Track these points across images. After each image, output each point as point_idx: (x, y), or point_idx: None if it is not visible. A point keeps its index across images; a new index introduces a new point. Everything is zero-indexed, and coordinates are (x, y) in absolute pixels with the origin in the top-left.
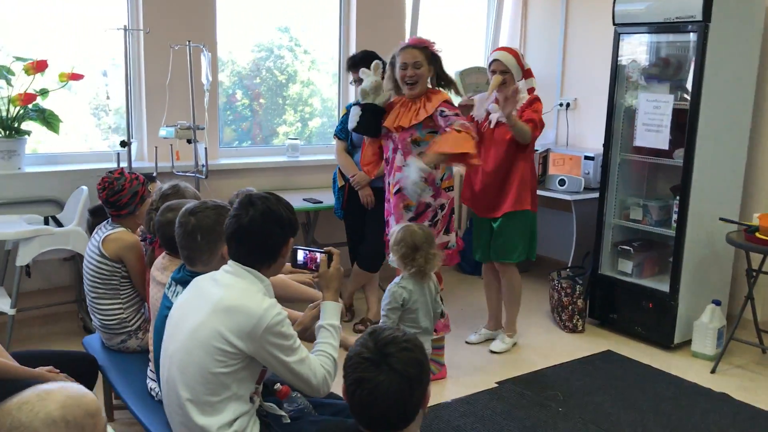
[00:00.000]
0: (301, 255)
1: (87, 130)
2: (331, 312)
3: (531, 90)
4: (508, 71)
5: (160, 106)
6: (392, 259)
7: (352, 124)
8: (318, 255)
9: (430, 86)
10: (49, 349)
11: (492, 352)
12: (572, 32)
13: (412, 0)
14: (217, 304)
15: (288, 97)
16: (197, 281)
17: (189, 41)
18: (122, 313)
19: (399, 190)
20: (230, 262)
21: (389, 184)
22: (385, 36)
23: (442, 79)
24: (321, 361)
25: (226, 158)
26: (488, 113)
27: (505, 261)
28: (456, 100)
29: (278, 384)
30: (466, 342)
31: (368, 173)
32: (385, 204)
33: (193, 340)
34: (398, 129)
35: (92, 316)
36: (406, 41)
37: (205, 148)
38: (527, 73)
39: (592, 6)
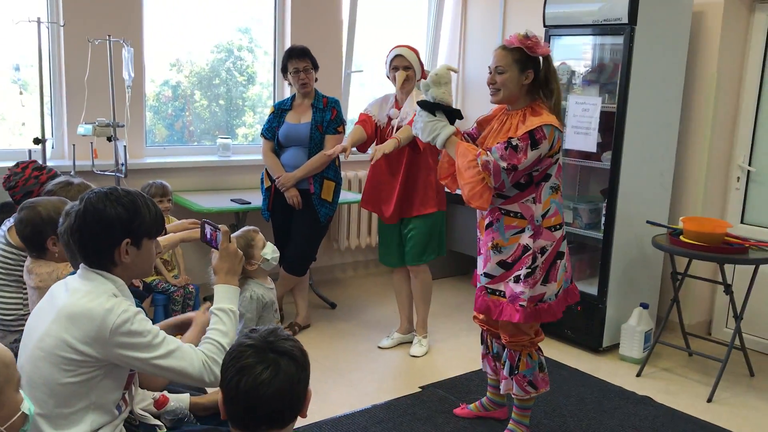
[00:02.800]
0: (207, 230)
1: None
2: (222, 295)
3: None
4: (411, 67)
5: (80, 103)
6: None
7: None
8: (218, 233)
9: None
10: None
11: (413, 356)
12: (510, 34)
13: (349, 3)
14: (60, 311)
15: (247, 99)
16: (52, 288)
17: (109, 36)
18: (21, 309)
19: (490, 224)
20: (81, 265)
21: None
22: (321, 35)
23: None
24: (204, 348)
25: (153, 157)
26: (389, 118)
27: (419, 263)
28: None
29: (155, 393)
30: (379, 347)
31: (449, 188)
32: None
33: (39, 350)
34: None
35: None
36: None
37: (125, 146)
38: (425, 75)
39: (529, 8)
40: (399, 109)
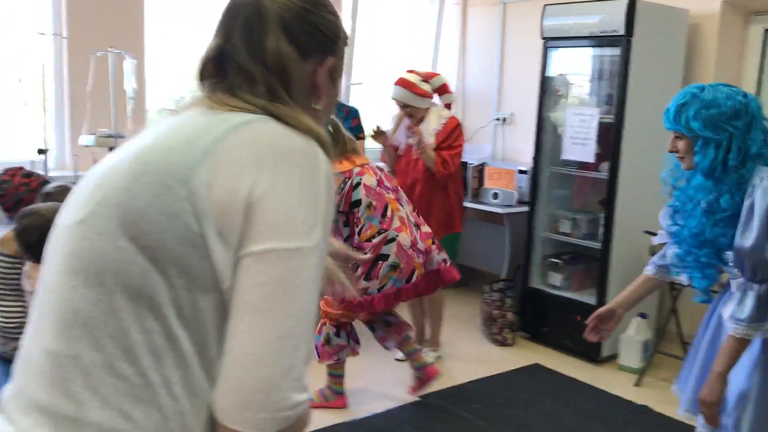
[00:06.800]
0: None
1: (7, 137)
2: None
3: (448, 106)
4: (408, 105)
5: (82, 114)
6: None
7: None
8: None
9: None
10: None
11: None
12: (509, 47)
13: (350, 15)
14: None
15: None
16: None
17: (110, 48)
18: (23, 317)
19: None
20: None
21: None
22: None
23: None
24: None
25: None
26: (407, 137)
27: None
28: None
29: None
30: (396, 359)
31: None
32: None
33: None
34: None
35: None
36: None
37: None
38: (441, 90)
39: (527, 21)
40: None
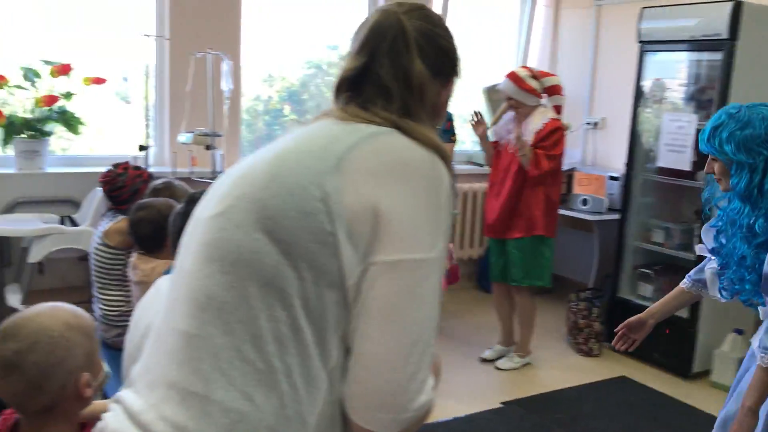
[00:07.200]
0: None
1: (110, 133)
2: None
3: (557, 108)
4: (511, 98)
5: (181, 112)
6: None
7: None
8: None
9: None
10: None
11: (498, 368)
12: (603, 50)
13: (441, 11)
14: None
15: None
16: (158, 282)
17: (210, 49)
18: (124, 306)
19: None
20: None
21: None
22: None
23: None
24: None
25: None
26: (508, 132)
27: (515, 284)
28: None
29: None
30: (481, 358)
31: None
32: None
33: (145, 339)
34: None
35: (95, 308)
36: None
37: (222, 155)
38: (551, 90)
39: (623, 23)
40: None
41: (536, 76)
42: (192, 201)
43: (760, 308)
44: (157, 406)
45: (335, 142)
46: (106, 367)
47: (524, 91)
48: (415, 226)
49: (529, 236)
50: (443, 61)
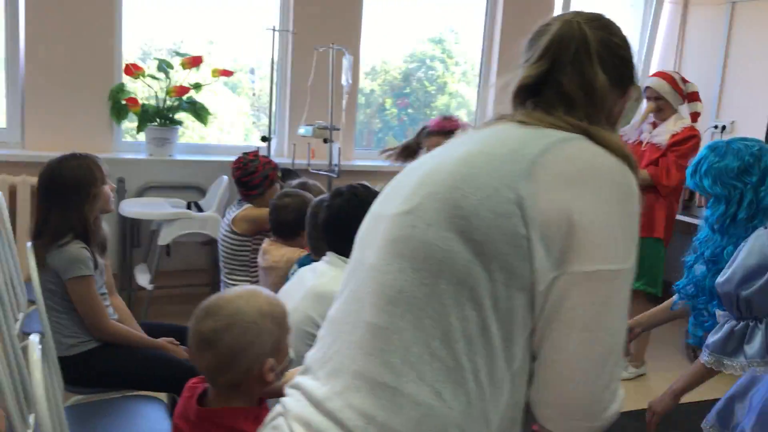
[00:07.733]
0: None
1: (236, 124)
2: None
3: (695, 115)
4: (661, 98)
5: (301, 105)
6: None
7: None
8: None
9: None
10: (173, 323)
11: None
12: (735, 48)
13: (562, 8)
14: (309, 290)
15: (435, 108)
16: (300, 272)
17: (332, 44)
18: None
19: None
20: (328, 252)
21: None
22: None
23: None
24: None
25: (361, 160)
26: (640, 133)
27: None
28: None
29: None
30: None
31: None
32: None
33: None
34: None
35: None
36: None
37: (339, 148)
38: (691, 96)
39: (760, 22)
40: (654, 127)
41: (684, 80)
42: (337, 195)
43: (717, 311)
44: (343, 394)
45: (525, 146)
46: (291, 354)
47: (674, 92)
48: (610, 235)
49: (649, 237)
50: (622, 71)
